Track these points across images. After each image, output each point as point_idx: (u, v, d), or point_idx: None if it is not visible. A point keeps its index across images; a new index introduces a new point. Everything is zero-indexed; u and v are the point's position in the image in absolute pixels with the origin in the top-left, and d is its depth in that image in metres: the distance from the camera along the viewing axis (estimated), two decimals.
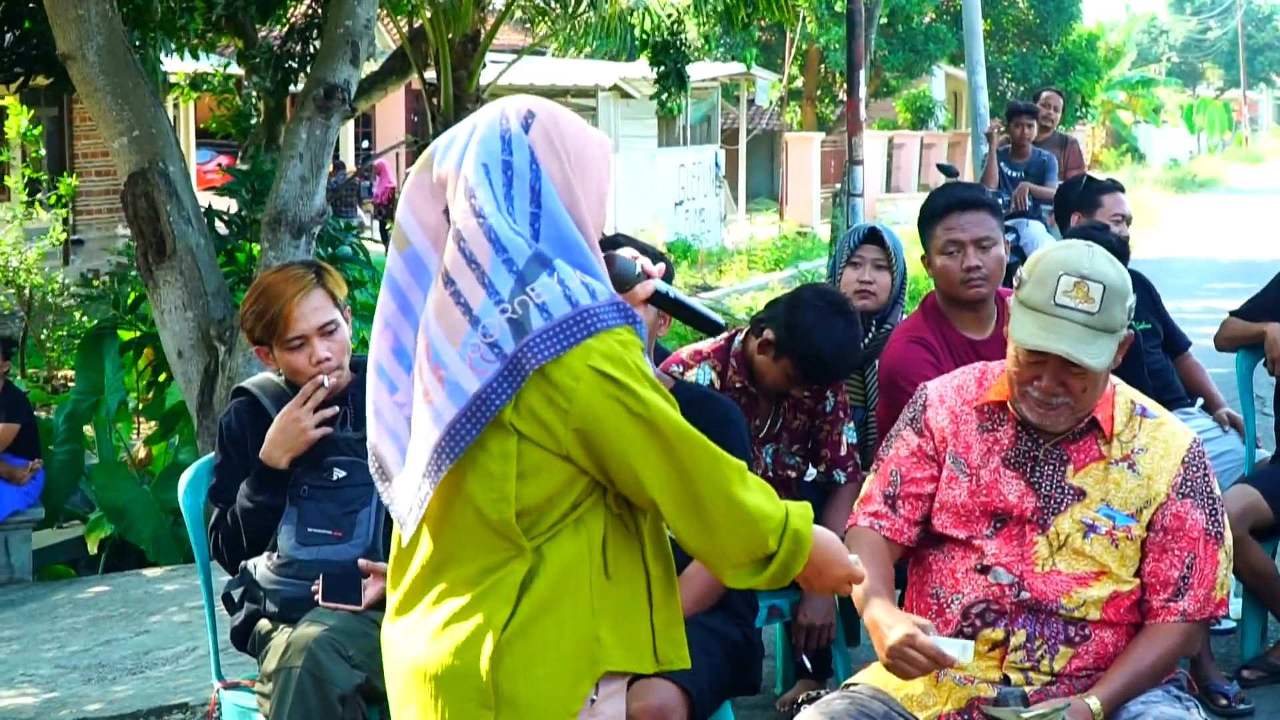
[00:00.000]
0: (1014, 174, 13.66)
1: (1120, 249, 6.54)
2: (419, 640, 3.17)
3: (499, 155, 3.08)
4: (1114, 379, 4.35)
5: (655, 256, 4.35)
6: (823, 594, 3.47)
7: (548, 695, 3.08)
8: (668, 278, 3.71)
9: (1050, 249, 4.30)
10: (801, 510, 3.21)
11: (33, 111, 16.27)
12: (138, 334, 11.88)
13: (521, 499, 3.07)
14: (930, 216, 5.85)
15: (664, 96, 17.66)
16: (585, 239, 3.12)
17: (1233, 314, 7.10)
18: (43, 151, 16.81)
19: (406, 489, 3.15)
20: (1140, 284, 7.38)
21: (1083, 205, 7.51)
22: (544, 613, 3.07)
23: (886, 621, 4.08)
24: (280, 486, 4.97)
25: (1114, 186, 7.73)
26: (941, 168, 14.16)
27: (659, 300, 3.58)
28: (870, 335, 6.40)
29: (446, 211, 3.10)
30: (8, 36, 10.91)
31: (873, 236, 6.55)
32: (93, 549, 11.92)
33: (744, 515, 3.11)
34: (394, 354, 3.17)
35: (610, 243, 4.02)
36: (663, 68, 17.25)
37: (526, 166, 3.09)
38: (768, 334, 5.63)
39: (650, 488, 3.08)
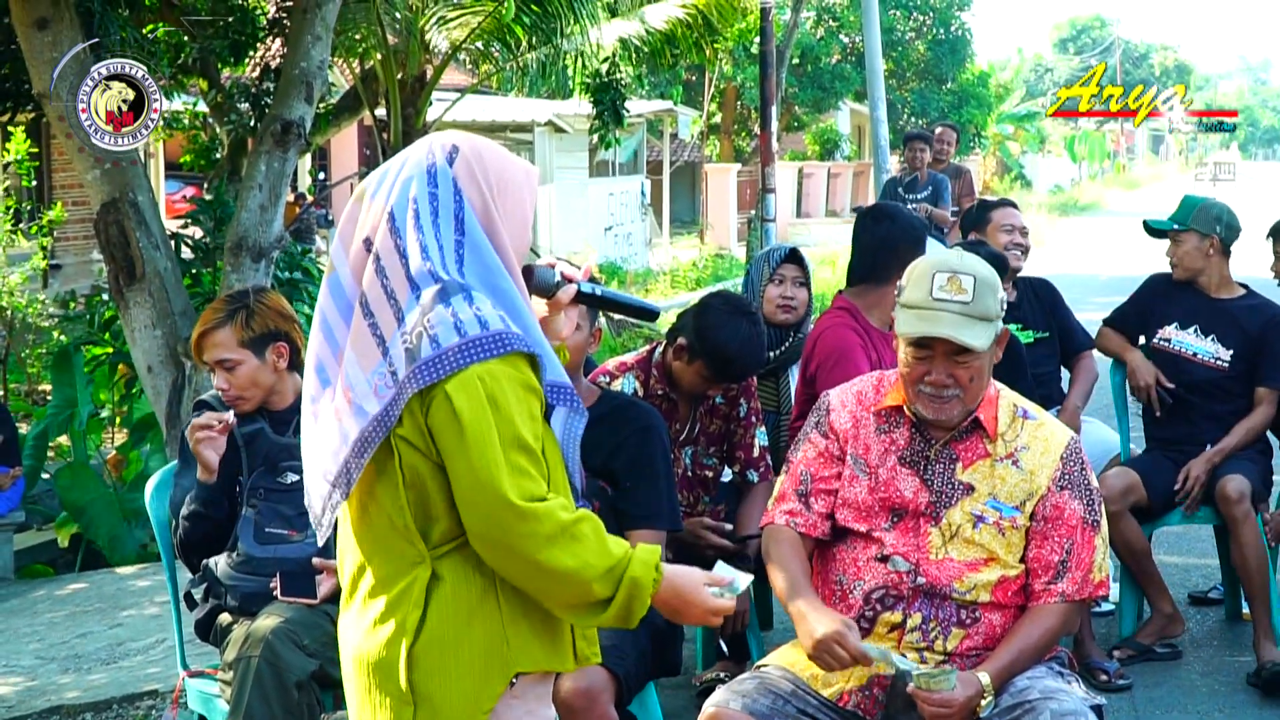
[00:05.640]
0: (914, 197, 13.70)
1: (992, 261, 6.58)
2: (356, 634, 3.18)
3: (426, 188, 3.07)
4: (998, 384, 4.38)
5: None
6: (690, 623, 3.32)
7: (461, 693, 3.07)
8: None
9: (923, 257, 4.36)
10: (646, 558, 3.10)
11: (32, 144, 16.17)
12: (110, 350, 11.79)
13: (414, 506, 3.06)
14: None
15: (603, 132, 17.69)
16: (504, 262, 3.10)
17: (1105, 321, 7.17)
18: (34, 181, 16.72)
19: (318, 493, 3.15)
20: (1045, 291, 7.39)
21: (976, 223, 7.51)
22: (453, 618, 3.06)
23: (815, 616, 4.11)
24: (214, 499, 4.98)
25: (1004, 203, 7.72)
26: (855, 210, 14.32)
27: (587, 299, 3.47)
28: (787, 344, 6.46)
29: (368, 242, 3.09)
30: None
31: (793, 256, 6.59)
32: (63, 542, 11.81)
33: (550, 574, 3.00)
34: (315, 371, 3.18)
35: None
36: (601, 106, 17.30)
37: (451, 197, 3.08)
38: (681, 340, 5.66)
39: (463, 513, 3.02)
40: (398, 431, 3.02)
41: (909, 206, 13.44)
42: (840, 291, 6.10)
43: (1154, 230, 6.95)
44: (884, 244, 5.89)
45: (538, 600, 3.09)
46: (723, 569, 3.32)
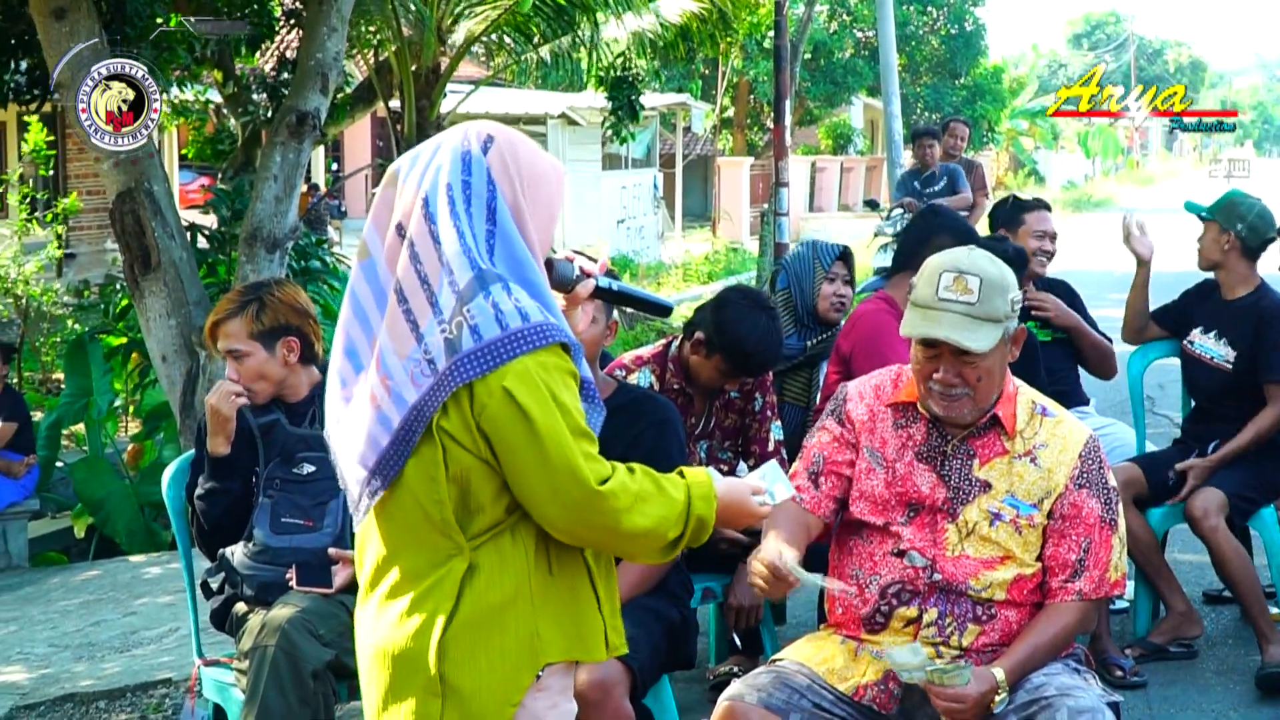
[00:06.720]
0: (930, 190, 13.67)
1: (1015, 258, 6.59)
2: (380, 626, 3.17)
3: (460, 176, 3.07)
4: (1017, 381, 4.38)
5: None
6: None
7: (490, 685, 3.07)
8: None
9: (934, 256, 4.34)
10: (703, 491, 3.20)
11: (53, 136, 16.21)
12: (125, 340, 11.82)
13: (455, 499, 3.06)
14: None
15: (619, 128, 17.72)
16: (533, 255, 3.11)
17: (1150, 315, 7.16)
18: (51, 171, 16.78)
19: (355, 478, 3.15)
20: (1064, 292, 7.38)
21: (1008, 222, 7.47)
22: (485, 610, 3.06)
23: (761, 549, 4.11)
24: (226, 472, 4.99)
25: (1038, 204, 7.65)
26: (867, 203, 14.44)
27: (603, 294, 3.49)
28: (824, 336, 6.48)
29: (400, 227, 3.09)
30: (23, 63, 10.82)
31: (844, 255, 6.65)
32: (79, 532, 11.85)
33: (632, 538, 3.10)
34: (345, 354, 3.17)
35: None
36: (617, 102, 17.32)
37: (484, 187, 3.08)
38: (699, 335, 5.67)
39: (539, 503, 3.04)
40: (443, 425, 3.02)
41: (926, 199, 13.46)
42: (880, 285, 6.18)
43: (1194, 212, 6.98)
44: (922, 237, 6.04)
45: (624, 557, 3.23)
46: (764, 477, 3.43)
